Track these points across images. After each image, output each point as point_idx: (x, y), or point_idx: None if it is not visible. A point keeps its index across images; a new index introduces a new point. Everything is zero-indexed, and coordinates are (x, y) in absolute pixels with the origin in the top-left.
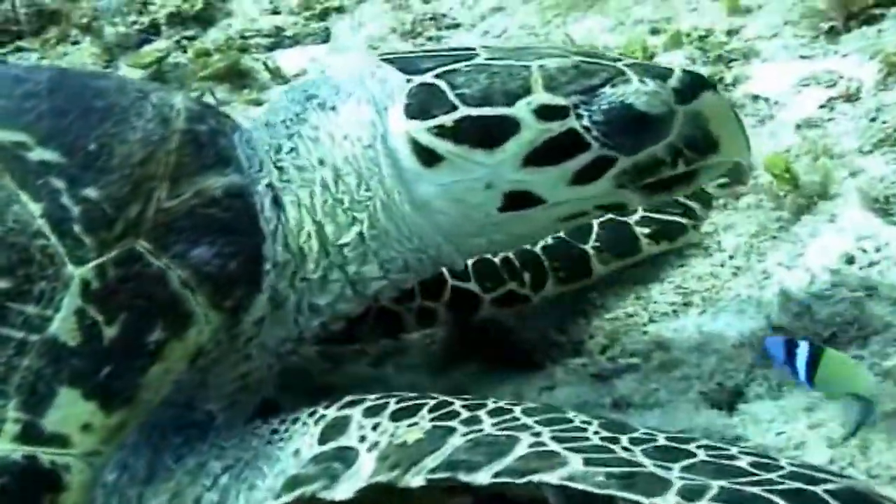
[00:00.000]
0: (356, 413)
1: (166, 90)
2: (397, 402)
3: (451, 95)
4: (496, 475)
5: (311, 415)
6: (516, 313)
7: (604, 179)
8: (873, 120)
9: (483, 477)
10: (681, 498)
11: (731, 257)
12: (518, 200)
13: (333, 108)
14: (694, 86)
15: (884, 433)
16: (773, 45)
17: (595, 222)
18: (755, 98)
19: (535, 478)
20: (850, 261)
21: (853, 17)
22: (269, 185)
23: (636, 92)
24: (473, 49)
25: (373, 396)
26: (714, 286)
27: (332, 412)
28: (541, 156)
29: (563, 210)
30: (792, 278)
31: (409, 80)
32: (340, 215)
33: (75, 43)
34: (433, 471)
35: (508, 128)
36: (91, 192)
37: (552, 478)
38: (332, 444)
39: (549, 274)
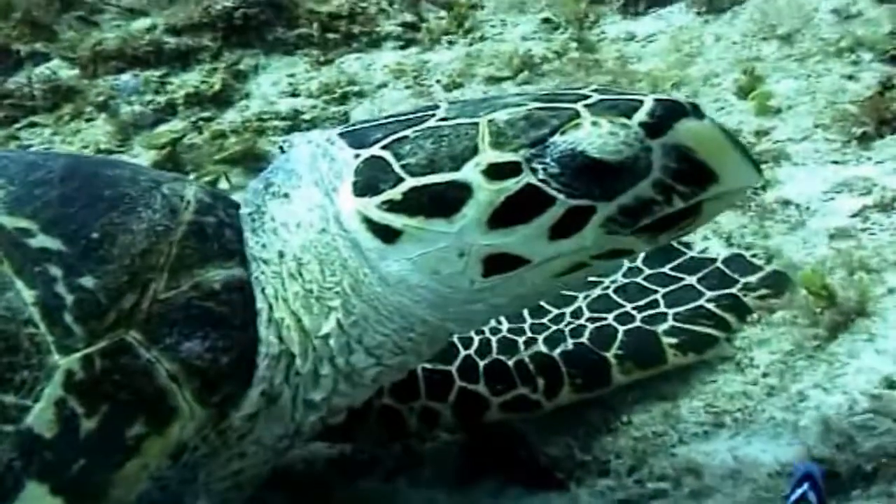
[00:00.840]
0: None
1: (181, 181)
2: None
3: (396, 167)
4: None
5: None
6: (524, 419)
7: (589, 229)
8: None
9: None
10: None
11: (764, 375)
12: (499, 264)
13: (286, 196)
14: (666, 116)
15: None
16: (803, 148)
17: (621, 328)
18: (786, 203)
19: None
20: (893, 385)
21: (886, 122)
22: (263, 281)
23: (588, 137)
24: (435, 108)
25: None
26: (747, 406)
27: None
28: (504, 216)
29: (557, 265)
30: (830, 402)
31: (356, 156)
32: (314, 306)
33: (90, 120)
34: None
35: (460, 193)
36: (87, 281)
37: None
38: None
39: (566, 380)
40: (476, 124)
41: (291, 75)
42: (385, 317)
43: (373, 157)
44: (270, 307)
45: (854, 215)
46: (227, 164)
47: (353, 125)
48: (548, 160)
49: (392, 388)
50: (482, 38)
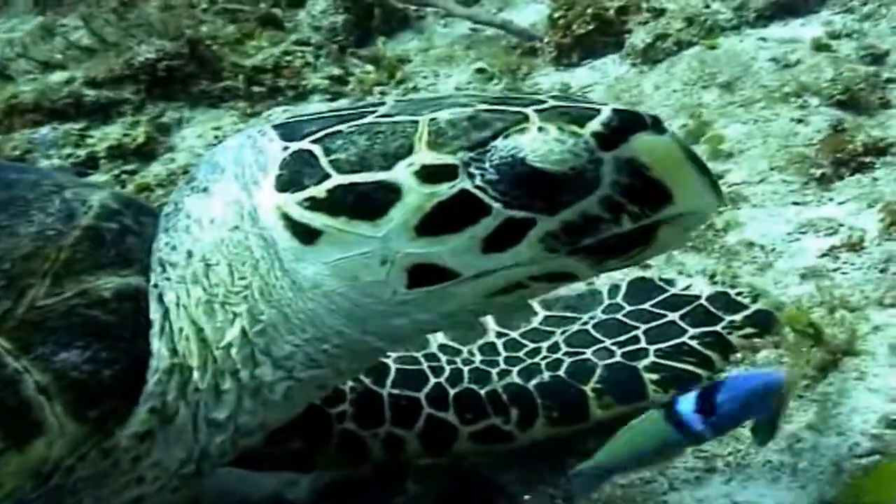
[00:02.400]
0: None
1: (93, 187)
2: None
3: (323, 162)
4: None
5: None
6: (505, 468)
7: (525, 244)
8: (883, 271)
9: None
10: None
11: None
12: (425, 275)
13: (205, 190)
14: (622, 128)
15: None
16: (760, 190)
17: (600, 363)
18: (750, 245)
19: None
20: (892, 425)
21: (843, 163)
22: (160, 289)
23: (531, 143)
24: (381, 104)
25: None
26: (738, 450)
27: None
28: (435, 223)
29: (490, 283)
30: (828, 444)
31: (285, 148)
32: (218, 312)
33: None
34: None
35: (388, 195)
36: None
37: None
38: None
39: (540, 412)
40: (416, 122)
41: (217, 128)
42: (296, 325)
43: (301, 150)
44: (166, 316)
45: (823, 255)
46: None
47: (292, 117)
48: (486, 165)
49: (355, 413)
50: (415, 89)
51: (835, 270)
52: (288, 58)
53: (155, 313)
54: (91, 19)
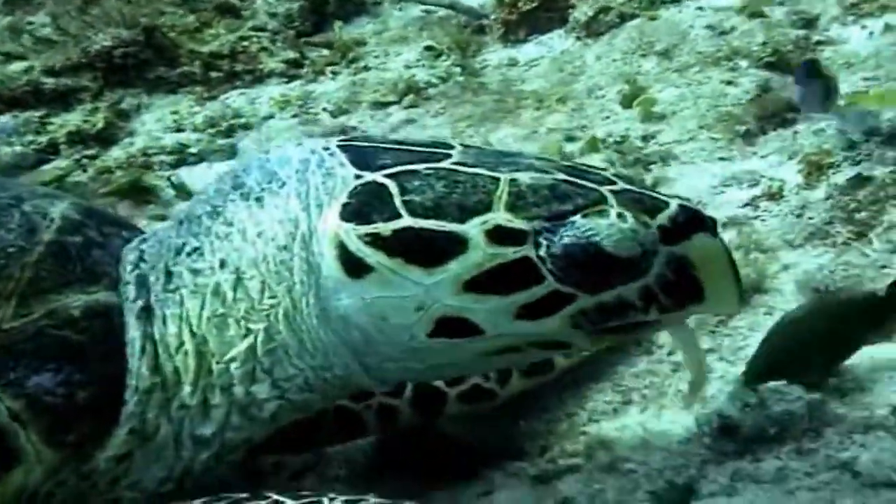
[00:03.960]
0: None
1: (52, 197)
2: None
3: (397, 201)
4: None
5: None
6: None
7: (557, 317)
8: (799, 216)
9: None
10: None
11: (669, 353)
12: (451, 328)
13: (258, 200)
14: (687, 225)
15: None
16: (689, 148)
17: None
18: None
19: None
20: None
21: (766, 119)
22: (143, 301)
23: (609, 228)
24: (451, 147)
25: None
26: (654, 382)
27: None
28: (486, 282)
29: (494, 344)
30: (735, 372)
31: (358, 177)
32: (231, 327)
33: None
34: None
35: (454, 247)
36: None
37: None
38: None
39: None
40: (497, 179)
41: (175, 112)
42: (307, 351)
43: (375, 182)
44: (148, 332)
45: (745, 205)
46: (113, 197)
47: (355, 140)
48: (557, 238)
49: None
50: (366, 68)
51: (755, 218)
52: (244, 43)
53: (135, 330)
54: (58, 16)
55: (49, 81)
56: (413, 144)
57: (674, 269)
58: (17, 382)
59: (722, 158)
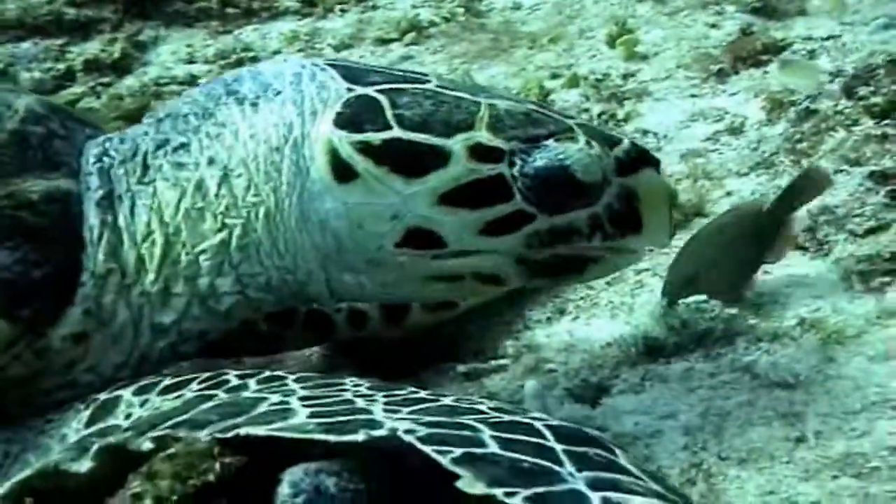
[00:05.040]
0: (126, 393)
1: (17, 92)
2: (171, 379)
3: (388, 113)
4: (212, 432)
5: (83, 401)
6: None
7: (515, 235)
8: (755, 150)
9: (203, 433)
10: (367, 434)
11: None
12: (419, 239)
13: (254, 105)
14: (638, 159)
15: (738, 419)
16: (665, 85)
17: None
18: (644, 132)
19: (242, 431)
20: None
21: (741, 60)
22: (105, 191)
23: (579, 153)
24: (426, 75)
25: (150, 377)
26: (588, 295)
27: (104, 395)
28: (460, 196)
29: (442, 266)
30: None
31: (350, 90)
32: (207, 220)
33: None
34: (159, 432)
35: (437, 160)
36: None
37: (259, 430)
38: (98, 426)
39: None
40: (479, 103)
41: (189, 45)
42: (278, 251)
43: (368, 96)
44: (106, 221)
45: (706, 139)
46: (122, 121)
47: (339, 61)
48: (531, 159)
49: None
50: (374, 7)
51: (713, 151)
52: None
53: (94, 218)
54: None
55: (71, 12)
56: (393, 68)
57: (621, 199)
58: None
59: (693, 95)
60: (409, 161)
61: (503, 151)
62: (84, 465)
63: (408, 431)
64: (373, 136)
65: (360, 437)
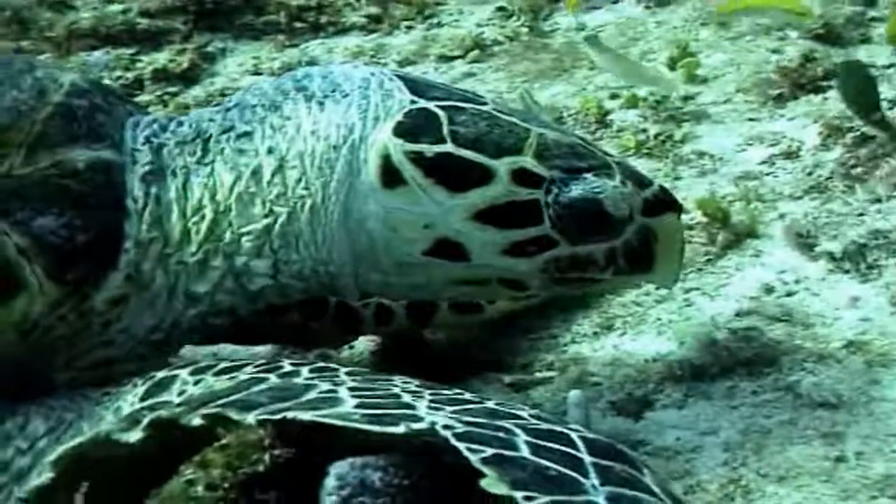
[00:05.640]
0: (183, 372)
1: (63, 69)
2: (228, 362)
3: (445, 129)
4: (261, 414)
5: (142, 377)
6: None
7: (536, 259)
8: (809, 174)
9: (251, 415)
10: (407, 427)
11: (657, 288)
12: (445, 249)
13: (320, 103)
14: (664, 202)
15: (779, 437)
16: (723, 109)
17: None
18: (701, 154)
19: (290, 414)
20: (770, 290)
21: (800, 86)
22: (154, 166)
23: (613, 188)
24: (483, 97)
25: (207, 360)
26: (637, 312)
27: (162, 373)
28: (494, 215)
29: (471, 273)
30: (713, 307)
31: (413, 101)
32: (256, 205)
33: None
34: (209, 410)
35: (481, 178)
36: None
37: (305, 415)
38: (151, 401)
39: None
40: (529, 130)
41: (256, 57)
42: (316, 243)
43: (429, 110)
44: (150, 193)
45: (762, 163)
46: None
47: (406, 74)
48: (567, 188)
49: None
50: (440, 25)
51: (768, 174)
52: None
53: (138, 190)
54: None
55: (143, 22)
56: (454, 87)
57: (640, 237)
58: (23, 222)
59: (751, 119)
60: (455, 175)
61: (543, 178)
62: (134, 436)
63: (446, 427)
64: (427, 147)
65: (400, 428)
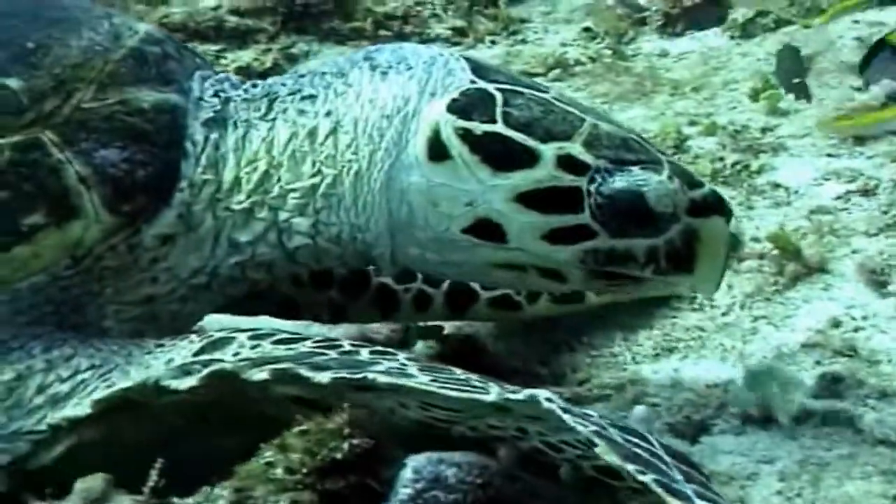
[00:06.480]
0: (241, 336)
1: (139, 21)
2: (289, 334)
3: (498, 109)
4: (336, 376)
5: (199, 334)
6: (495, 335)
7: (574, 248)
8: (885, 212)
9: (324, 376)
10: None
11: (723, 314)
12: (484, 229)
13: (384, 74)
14: (712, 204)
15: (837, 471)
16: (802, 143)
17: None
18: (776, 186)
19: (370, 376)
20: (837, 325)
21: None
22: (219, 114)
23: (658, 183)
24: (548, 88)
25: (266, 329)
26: (700, 337)
27: (220, 333)
28: (536, 199)
29: (508, 256)
30: (778, 337)
31: (472, 81)
32: (306, 164)
33: None
34: (280, 364)
35: (526, 160)
36: (12, 82)
37: (385, 378)
38: (204, 357)
39: None
40: (584, 120)
41: None
42: (356, 208)
43: (486, 90)
44: (209, 139)
45: (837, 197)
46: None
47: (476, 59)
48: (611, 179)
49: None
50: (524, 42)
51: (843, 210)
52: (418, 8)
53: (199, 134)
54: None
55: (232, 20)
56: (522, 76)
57: (683, 238)
58: (86, 152)
59: (829, 155)
60: (500, 155)
61: (589, 167)
62: (185, 383)
63: (548, 400)
64: (477, 125)
65: (491, 396)
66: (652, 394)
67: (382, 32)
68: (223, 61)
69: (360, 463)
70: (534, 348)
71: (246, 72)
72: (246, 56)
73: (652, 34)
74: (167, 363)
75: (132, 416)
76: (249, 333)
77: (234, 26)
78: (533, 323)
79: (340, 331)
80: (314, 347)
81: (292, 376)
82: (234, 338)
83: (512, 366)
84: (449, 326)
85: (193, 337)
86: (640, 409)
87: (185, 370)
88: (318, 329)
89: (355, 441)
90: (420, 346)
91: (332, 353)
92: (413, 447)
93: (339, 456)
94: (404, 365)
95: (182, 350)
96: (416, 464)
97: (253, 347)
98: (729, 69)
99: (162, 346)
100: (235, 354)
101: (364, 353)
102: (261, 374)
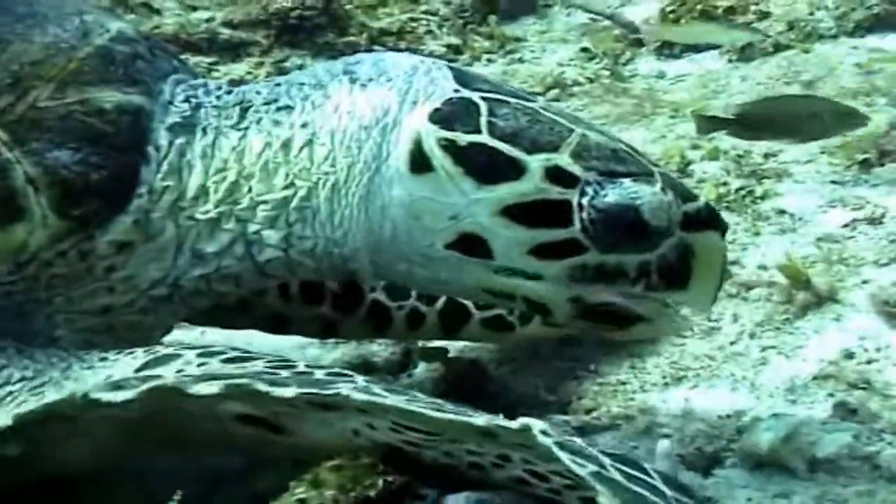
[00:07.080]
0: (189, 353)
1: (115, 17)
2: (241, 352)
3: (483, 119)
4: (302, 393)
5: (146, 349)
6: (500, 361)
7: (561, 263)
8: (893, 241)
9: (289, 391)
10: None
11: (731, 343)
12: (468, 244)
13: (364, 86)
14: (706, 218)
15: None
16: (806, 169)
17: None
18: (781, 212)
19: (344, 391)
20: (850, 356)
21: (887, 154)
22: (187, 120)
23: (652, 195)
24: (535, 96)
25: (216, 346)
26: (710, 366)
27: (165, 350)
28: (522, 213)
29: (494, 281)
30: (790, 367)
31: (456, 91)
32: (279, 176)
33: None
34: (233, 380)
35: (512, 172)
36: None
37: (361, 396)
38: (145, 372)
39: None
40: (572, 130)
41: None
42: (332, 223)
43: (469, 99)
44: (174, 144)
45: (844, 226)
46: None
47: (459, 67)
48: (602, 192)
49: (385, 284)
50: (520, 61)
51: (849, 238)
52: (413, 24)
53: (164, 139)
54: None
55: (225, 32)
56: (508, 85)
57: (677, 253)
58: (38, 152)
59: (834, 182)
60: (485, 167)
61: (577, 179)
62: (119, 397)
63: (543, 433)
64: (460, 136)
65: (480, 420)
66: (662, 424)
67: (377, 48)
68: (216, 74)
69: (394, 500)
70: (539, 374)
71: (238, 84)
72: (239, 69)
73: (649, 55)
74: (106, 378)
75: (63, 431)
76: (200, 350)
77: (228, 39)
78: (537, 348)
79: (338, 352)
80: (266, 367)
81: (248, 392)
82: (180, 355)
83: (517, 392)
84: (452, 350)
85: (139, 352)
86: (663, 445)
87: (119, 385)
88: (315, 351)
89: (389, 478)
90: (421, 368)
91: (285, 373)
92: (446, 486)
93: (372, 494)
94: (367, 386)
95: (124, 365)
96: (454, 502)
97: (200, 365)
98: (728, 92)
99: (105, 359)
100: (179, 371)
101: (317, 374)
102: (209, 389)
